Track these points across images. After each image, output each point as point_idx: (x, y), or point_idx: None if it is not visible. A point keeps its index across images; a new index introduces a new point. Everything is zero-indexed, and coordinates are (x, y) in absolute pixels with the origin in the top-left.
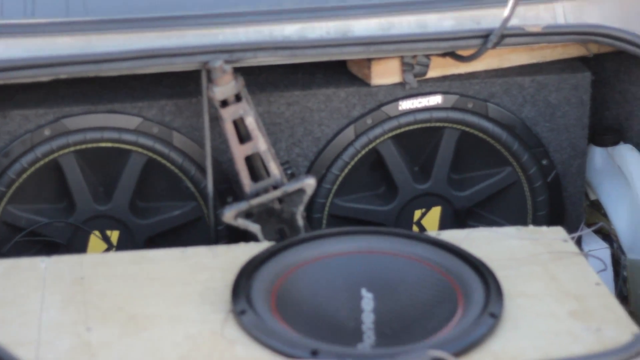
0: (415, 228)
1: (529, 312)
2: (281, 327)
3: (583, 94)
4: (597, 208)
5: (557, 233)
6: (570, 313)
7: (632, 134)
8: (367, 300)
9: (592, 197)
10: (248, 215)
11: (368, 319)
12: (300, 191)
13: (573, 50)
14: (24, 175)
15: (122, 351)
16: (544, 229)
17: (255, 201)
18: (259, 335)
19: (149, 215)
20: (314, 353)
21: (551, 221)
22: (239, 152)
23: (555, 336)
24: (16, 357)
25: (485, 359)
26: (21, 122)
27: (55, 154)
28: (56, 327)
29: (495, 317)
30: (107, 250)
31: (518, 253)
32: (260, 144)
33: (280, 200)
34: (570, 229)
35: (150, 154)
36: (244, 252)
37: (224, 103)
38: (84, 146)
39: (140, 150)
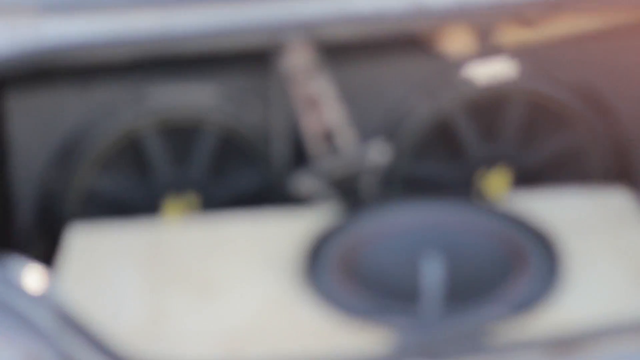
0: (485, 191)
1: (593, 275)
2: (353, 292)
3: None
4: None
5: (624, 194)
6: (636, 277)
7: None
8: (434, 268)
9: None
10: (322, 184)
11: (436, 284)
12: (374, 160)
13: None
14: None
15: (198, 313)
16: (613, 190)
17: (328, 170)
18: (331, 298)
19: (224, 186)
20: (384, 313)
21: (618, 183)
22: (312, 123)
23: (618, 301)
24: (91, 330)
25: (549, 320)
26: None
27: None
28: (130, 295)
29: (558, 280)
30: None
31: (584, 216)
32: (335, 114)
33: (354, 169)
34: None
35: (224, 129)
36: (315, 218)
37: (299, 77)
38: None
39: (214, 125)
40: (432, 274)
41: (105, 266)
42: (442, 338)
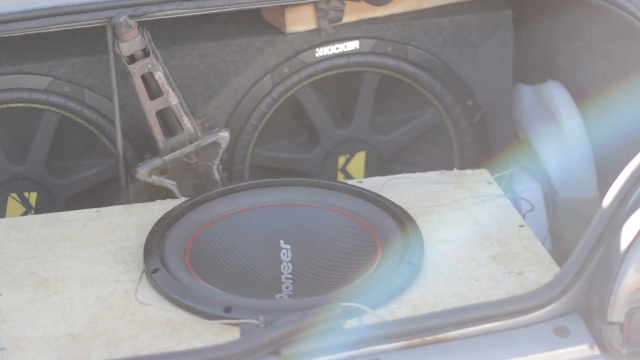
0: (340, 175)
1: (450, 258)
2: (196, 284)
3: (505, 32)
4: (527, 147)
5: (481, 175)
6: (492, 257)
7: (559, 71)
8: (285, 252)
9: (522, 136)
10: (163, 171)
11: (286, 270)
12: (215, 144)
13: None
14: None
15: (32, 315)
16: (468, 172)
17: (169, 157)
18: (172, 293)
19: (67, 174)
20: (227, 310)
21: (479, 163)
22: (149, 108)
23: (475, 281)
24: None
25: (403, 307)
26: None
27: None
28: None
29: (414, 264)
30: (26, 212)
31: (441, 198)
32: (172, 98)
33: (196, 154)
34: (499, 170)
35: (63, 112)
36: (160, 209)
37: (132, 58)
38: None
39: (52, 109)
40: (283, 259)
41: None
42: (290, 331)
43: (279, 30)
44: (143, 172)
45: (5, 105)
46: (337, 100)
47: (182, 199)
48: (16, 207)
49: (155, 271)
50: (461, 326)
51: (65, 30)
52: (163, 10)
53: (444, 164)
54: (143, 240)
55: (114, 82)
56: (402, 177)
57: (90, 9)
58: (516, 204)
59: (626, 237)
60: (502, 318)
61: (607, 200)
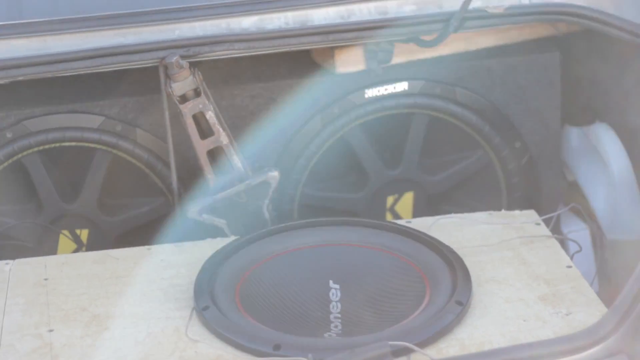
0: (388, 215)
1: (498, 298)
2: (245, 322)
3: (553, 74)
4: (575, 189)
5: (529, 216)
6: (540, 297)
7: (607, 113)
8: (334, 292)
9: (570, 177)
10: (213, 210)
11: (335, 309)
12: (265, 183)
13: (542, 30)
14: None
15: (84, 351)
16: (516, 212)
17: (219, 196)
18: (221, 331)
19: (118, 212)
20: (276, 347)
21: (528, 204)
22: (200, 147)
23: (523, 321)
24: None
25: (451, 347)
26: None
27: (19, 155)
28: (18, 329)
29: (462, 304)
30: (77, 249)
31: (489, 238)
32: (222, 137)
33: (246, 193)
34: (548, 211)
35: (115, 152)
36: (210, 247)
37: (183, 98)
38: (47, 146)
39: (104, 147)
40: (332, 298)
41: None
42: None
43: (329, 71)
44: (194, 211)
45: (58, 144)
46: (386, 140)
47: (232, 238)
48: (67, 244)
49: (205, 308)
50: None
51: (118, 69)
52: (214, 51)
53: (492, 205)
54: (193, 278)
55: (167, 122)
56: (451, 217)
57: (142, 50)
58: (564, 245)
59: None
60: (550, 358)
61: None
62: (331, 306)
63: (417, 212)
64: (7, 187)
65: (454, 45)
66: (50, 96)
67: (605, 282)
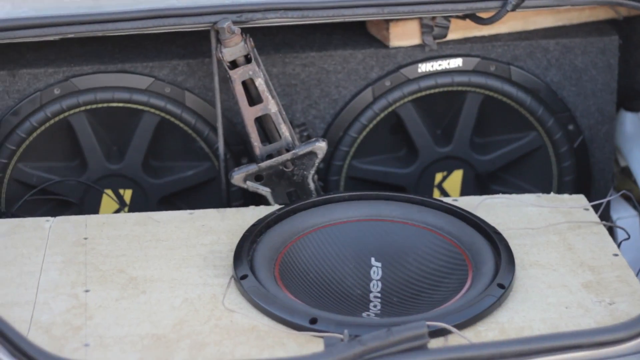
0: (436, 191)
1: (541, 283)
2: (283, 294)
3: (610, 57)
4: (627, 175)
5: (578, 201)
6: (584, 285)
7: None
8: (376, 270)
9: (623, 163)
10: (258, 178)
11: (375, 288)
12: (312, 154)
13: (601, 13)
14: (34, 134)
15: (119, 314)
16: (565, 196)
17: (265, 164)
18: (259, 301)
19: (163, 174)
20: (313, 321)
21: (578, 188)
22: (248, 114)
23: (565, 308)
24: (5, 320)
25: (490, 330)
26: (30, 81)
27: (66, 114)
28: (54, 288)
29: (504, 287)
30: (120, 209)
31: (535, 221)
32: (271, 105)
33: (292, 163)
34: (598, 196)
35: (163, 114)
36: (253, 215)
37: (234, 64)
38: (94, 106)
39: (152, 110)
40: (373, 276)
41: (30, 261)
42: (374, 346)
43: (383, 44)
44: (238, 177)
45: (106, 104)
46: (437, 117)
47: (276, 207)
48: (110, 204)
49: (243, 277)
50: (548, 353)
51: (169, 32)
52: (267, 18)
53: (542, 187)
54: (234, 246)
55: (216, 87)
56: (498, 197)
57: (194, 13)
58: (612, 232)
59: None
60: (591, 348)
61: None
62: (371, 285)
63: (465, 191)
64: (52, 144)
65: (511, 23)
66: (100, 55)
67: None
